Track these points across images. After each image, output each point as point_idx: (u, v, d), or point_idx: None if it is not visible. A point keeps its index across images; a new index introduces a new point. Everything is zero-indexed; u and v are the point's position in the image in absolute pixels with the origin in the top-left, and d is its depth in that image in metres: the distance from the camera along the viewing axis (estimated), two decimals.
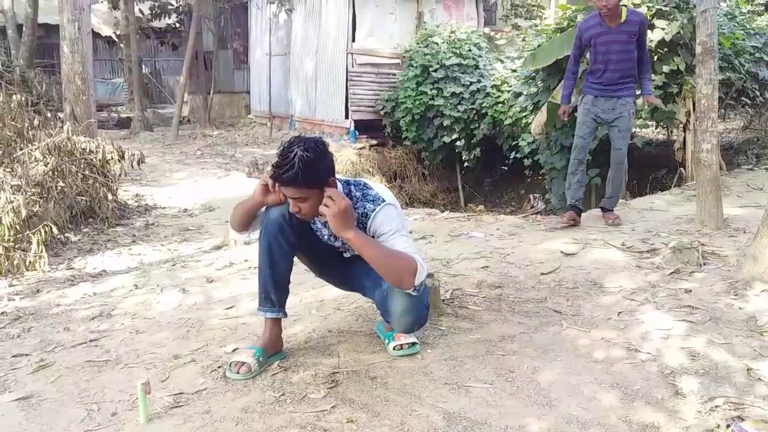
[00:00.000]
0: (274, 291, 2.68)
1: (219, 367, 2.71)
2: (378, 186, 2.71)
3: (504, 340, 2.91)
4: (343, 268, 2.84)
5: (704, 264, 3.85)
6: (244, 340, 3.00)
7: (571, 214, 5.06)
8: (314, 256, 2.83)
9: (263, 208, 2.68)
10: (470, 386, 2.49)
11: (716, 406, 2.29)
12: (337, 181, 2.59)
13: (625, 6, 4.87)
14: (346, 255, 2.83)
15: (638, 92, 5.15)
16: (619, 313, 3.18)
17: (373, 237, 2.56)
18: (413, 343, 2.78)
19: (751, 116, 10.31)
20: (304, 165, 2.38)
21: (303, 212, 2.51)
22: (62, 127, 6.05)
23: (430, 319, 3.11)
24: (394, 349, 2.75)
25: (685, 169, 7.26)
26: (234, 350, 2.87)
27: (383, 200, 2.58)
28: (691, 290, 3.41)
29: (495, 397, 2.41)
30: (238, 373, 2.60)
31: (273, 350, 2.76)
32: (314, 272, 2.96)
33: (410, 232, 3.54)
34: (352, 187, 2.63)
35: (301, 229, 2.65)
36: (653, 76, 6.99)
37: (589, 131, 5.11)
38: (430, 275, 3.31)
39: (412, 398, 2.40)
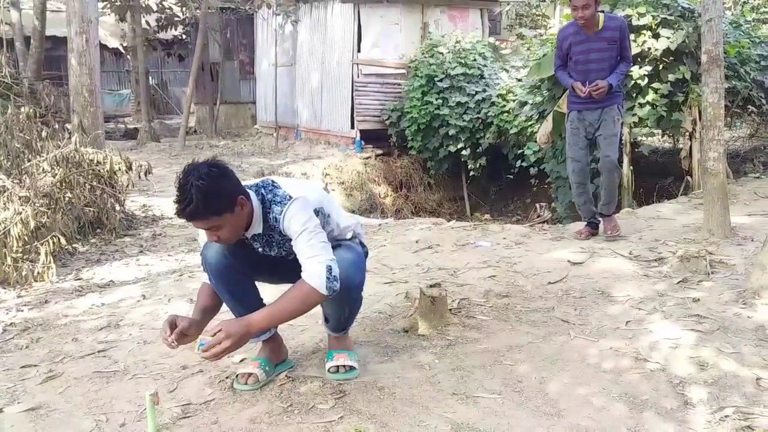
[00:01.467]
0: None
1: (227, 377, 2.72)
2: (288, 182, 2.58)
3: (512, 349, 2.91)
4: (295, 273, 2.49)
5: (712, 273, 3.83)
6: (252, 350, 2.99)
7: (588, 230, 5.02)
8: (266, 270, 2.70)
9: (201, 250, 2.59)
10: (478, 397, 2.48)
11: (726, 416, 2.28)
12: (249, 190, 2.46)
13: (603, 12, 4.71)
14: (291, 258, 2.63)
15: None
16: (627, 322, 3.17)
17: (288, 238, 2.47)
18: (351, 367, 2.66)
19: (757, 124, 10.29)
20: (203, 195, 2.23)
21: (223, 239, 2.40)
22: (70, 138, 6.08)
23: (437, 329, 3.11)
24: (329, 370, 2.66)
25: (691, 177, 7.24)
26: (241, 360, 2.87)
27: (289, 197, 2.44)
28: (699, 299, 3.40)
29: (503, 407, 2.40)
30: (246, 383, 2.59)
31: (278, 359, 2.75)
32: (274, 283, 2.81)
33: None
34: (263, 191, 2.50)
35: (243, 251, 2.56)
36: (659, 85, 7.01)
37: (582, 151, 4.91)
38: (437, 285, 3.32)
39: (419, 409, 2.40)
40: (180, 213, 2.28)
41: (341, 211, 2.81)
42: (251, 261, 2.60)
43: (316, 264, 2.35)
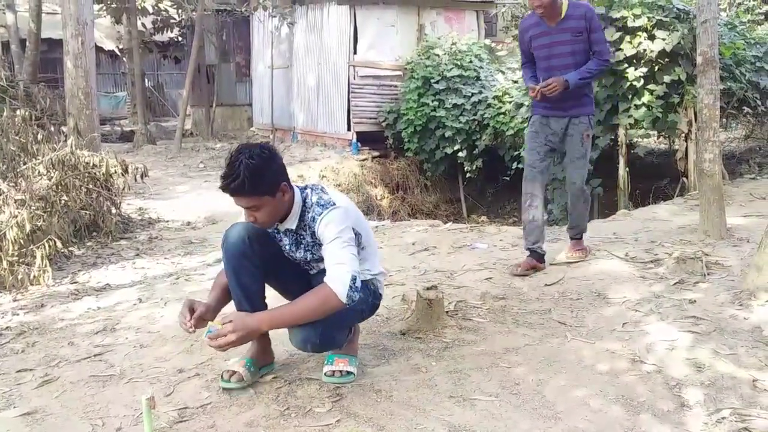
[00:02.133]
0: (251, 311, 2.54)
1: None
2: (336, 192, 2.65)
3: (509, 352, 2.91)
4: (306, 287, 2.55)
5: (708, 274, 3.84)
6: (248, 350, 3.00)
7: (528, 262, 4.11)
8: (280, 273, 2.70)
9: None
10: (475, 399, 2.49)
11: (722, 418, 2.29)
12: (295, 186, 2.54)
13: None
14: (312, 272, 2.73)
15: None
16: (624, 324, 3.17)
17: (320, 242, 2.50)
18: (349, 372, 2.65)
19: (752, 125, 10.33)
20: (251, 173, 2.33)
21: (259, 221, 2.46)
22: (66, 141, 6.07)
23: (434, 331, 3.11)
24: (326, 374, 2.65)
25: (687, 178, 7.26)
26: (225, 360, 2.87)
27: (333, 204, 2.51)
28: (695, 301, 3.41)
29: (500, 410, 2.41)
30: (230, 381, 2.60)
31: (263, 361, 2.75)
32: (279, 291, 2.81)
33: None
34: (309, 191, 2.58)
35: (267, 245, 2.60)
36: (655, 87, 7.02)
37: (540, 158, 4.12)
38: (434, 287, 3.32)
39: (417, 411, 2.40)
40: (225, 188, 2.38)
41: (377, 253, 2.82)
42: (271, 257, 2.63)
43: (343, 271, 2.39)
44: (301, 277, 2.71)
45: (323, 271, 2.47)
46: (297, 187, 2.57)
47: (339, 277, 2.37)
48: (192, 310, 2.51)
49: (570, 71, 3.91)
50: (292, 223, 2.56)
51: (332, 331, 2.57)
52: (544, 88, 3.88)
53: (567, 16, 3.91)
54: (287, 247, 2.66)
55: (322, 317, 2.41)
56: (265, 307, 2.63)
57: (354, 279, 2.39)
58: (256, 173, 2.34)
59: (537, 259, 4.13)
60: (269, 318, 2.42)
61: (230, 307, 2.61)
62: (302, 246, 2.62)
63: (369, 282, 2.72)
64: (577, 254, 4.26)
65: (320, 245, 2.52)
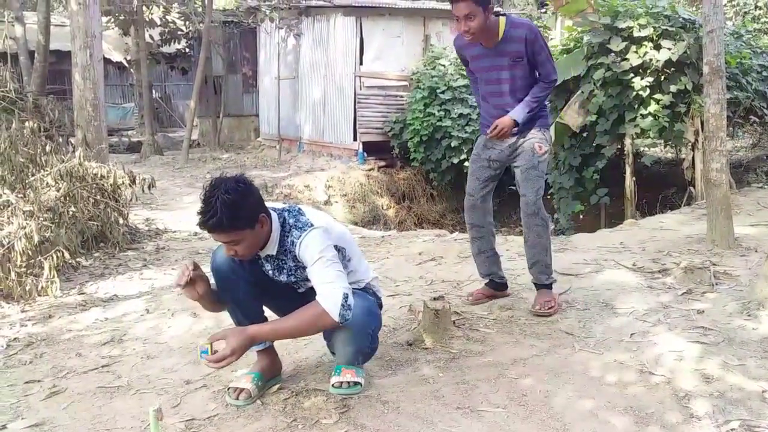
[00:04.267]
0: (247, 324, 2.54)
1: None
2: (313, 212, 2.63)
3: (516, 363, 2.90)
4: (298, 303, 2.52)
5: (716, 284, 3.82)
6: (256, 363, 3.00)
7: (482, 291, 3.78)
8: (270, 293, 2.70)
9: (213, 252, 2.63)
10: (483, 411, 2.48)
11: (731, 430, 2.27)
12: (272, 212, 2.51)
13: (505, 16, 3.44)
14: (300, 290, 2.71)
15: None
16: (632, 334, 3.16)
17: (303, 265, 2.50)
18: (356, 383, 2.63)
19: (759, 134, 10.31)
20: (228, 209, 2.29)
21: (239, 254, 2.44)
22: (74, 152, 6.10)
23: (441, 342, 3.10)
24: (333, 385, 2.63)
25: (694, 187, 7.24)
26: (233, 372, 2.86)
27: (311, 225, 2.49)
28: (703, 311, 3.39)
29: (508, 421, 2.40)
30: (237, 399, 2.59)
31: (271, 374, 2.75)
32: (273, 309, 2.79)
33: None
34: (286, 214, 2.55)
35: (252, 268, 2.59)
36: (661, 96, 7.02)
37: (480, 185, 3.62)
38: (440, 297, 3.31)
39: (424, 423, 2.39)
40: (203, 224, 2.35)
41: (364, 260, 2.82)
42: (262, 274, 2.63)
43: (333, 289, 2.38)
44: (292, 294, 2.70)
45: (312, 288, 2.47)
46: (274, 211, 2.53)
47: (330, 296, 2.37)
48: (196, 267, 2.51)
49: (515, 97, 3.46)
50: (272, 249, 2.54)
51: (375, 338, 2.69)
52: (494, 136, 3.46)
53: (505, 38, 3.37)
54: (270, 273, 2.64)
55: (309, 332, 2.47)
56: (265, 320, 2.65)
57: (345, 296, 2.38)
58: (233, 208, 2.31)
59: (494, 287, 3.78)
60: (262, 332, 2.42)
61: (222, 315, 2.58)
62: (285, 270, 2.60)
63: (367, 288, 2.75)
64: (543, 309, 3.47)
65: (303, 268, 2.51)
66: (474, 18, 3.22)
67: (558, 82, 8.04)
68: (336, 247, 2.53)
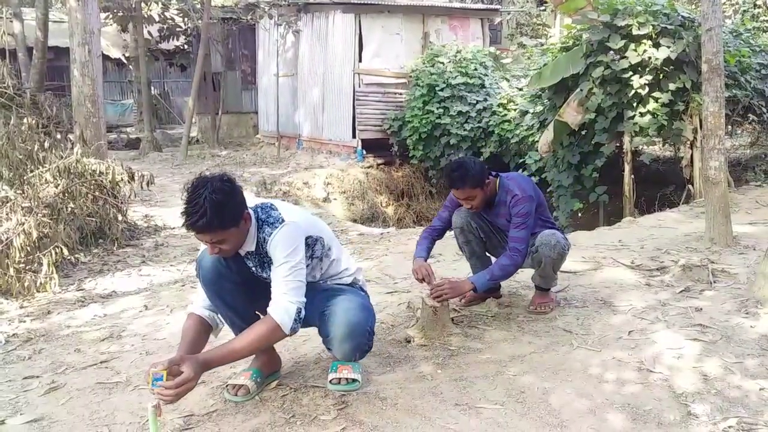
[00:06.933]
0: (245, 326, 2.50)
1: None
2: (286, 206, 2.58)
3: (514, 360, 2.90)
4: None
5: (714, 282, 3.83)
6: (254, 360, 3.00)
7: (473, 293, 3.46)
8: (256, 289, 2.60)
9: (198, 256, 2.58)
10: (481, 407, 2.48)
11: (729, 428, 2.27)
12: (250, 211, 2.47)
13: (498, 176, 3.46)
14: None
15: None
16: (630, 332, 3.16)
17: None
18: (353, 380, 2.62)
19: (758, 133, 10.31)
20: (216, 209, 2.24)
21: (223, 252, 2.40)
22: (72, 149, 6.10)
23: (439, 339, 3.11)
24: (331, 382, 2.62)
25: (693, 186, 7.25)
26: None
27: (282, 221, 2.44)
28: (701, 309, 3.40)
29: (506, 418, 2.40)
30: (236, 395, 2.59)
31: (270, 370, 2.75)
32: (262, 313, 2.62)
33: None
34: (259, 211, 2.50)
35: (237, 266, 2.55)
36: (660, 94, 7.02)
37: (446, 212, 3.74)
38: None
39: (422, 419, 2.39)
40: (191, 226, 2.29)
41: (344, 251, 2.80)
42: (250, 275, 2.60)
43: (288, 302, 2.37)
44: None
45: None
46: (249, 208, 2.49)
47: (285, 309, 2.36)
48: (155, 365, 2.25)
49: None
50: (251, 245, 2.50)
51: (372, 333, 2.68)
52: (435, 296, 3.19)
53: (499, 202, 3.44)
54: (254, 269, 2.60)
55: (261, 347, 2.45)
56: (256, 317, 2.58)
57: (299, 311, 2.38)
58: (222, 208, 2.26)
59: (487, 290, 3.55)
60: (215, 358, 2.33)
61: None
62: (266, 266, 2.55)
63: (354, 282, 2.77)
64: (539, 309, 3.52)
65: None
66: (475, 198, 3.37)
67: (556, 80, 8.04)
68: (312, 237, 2.52)
